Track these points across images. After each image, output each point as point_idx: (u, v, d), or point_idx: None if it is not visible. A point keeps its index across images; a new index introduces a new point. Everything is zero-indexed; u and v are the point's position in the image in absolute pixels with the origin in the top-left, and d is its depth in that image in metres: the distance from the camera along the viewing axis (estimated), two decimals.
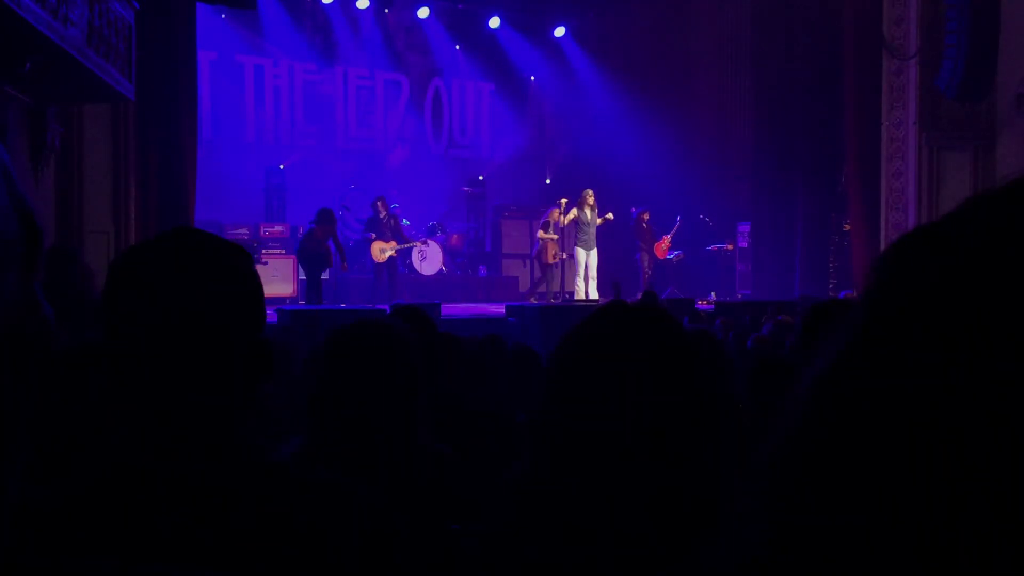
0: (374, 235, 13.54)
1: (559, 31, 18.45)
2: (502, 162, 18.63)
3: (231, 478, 1.17)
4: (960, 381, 0.39)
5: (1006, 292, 0.39)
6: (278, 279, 13.59)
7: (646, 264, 15.09)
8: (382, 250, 13.48)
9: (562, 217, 13.24)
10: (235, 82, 16.13)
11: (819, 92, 14.43)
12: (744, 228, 16.04)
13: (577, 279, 13.26)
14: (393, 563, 1.54)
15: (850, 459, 0.42)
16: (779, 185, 15.19)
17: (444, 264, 15.85)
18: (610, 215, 13.55)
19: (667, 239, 15.52)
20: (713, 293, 15.61)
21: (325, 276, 12.41)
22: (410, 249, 14.96)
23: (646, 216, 15.37)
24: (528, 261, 15.98)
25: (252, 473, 1.20)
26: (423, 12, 17.41)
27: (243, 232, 13.92)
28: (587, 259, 13.15)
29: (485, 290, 15.82)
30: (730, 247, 16.30)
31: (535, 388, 3.82)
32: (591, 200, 13.21)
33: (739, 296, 15.39)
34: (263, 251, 13.68)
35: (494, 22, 18.01)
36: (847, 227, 13.80)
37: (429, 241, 15.62)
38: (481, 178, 17.74)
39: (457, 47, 18.14)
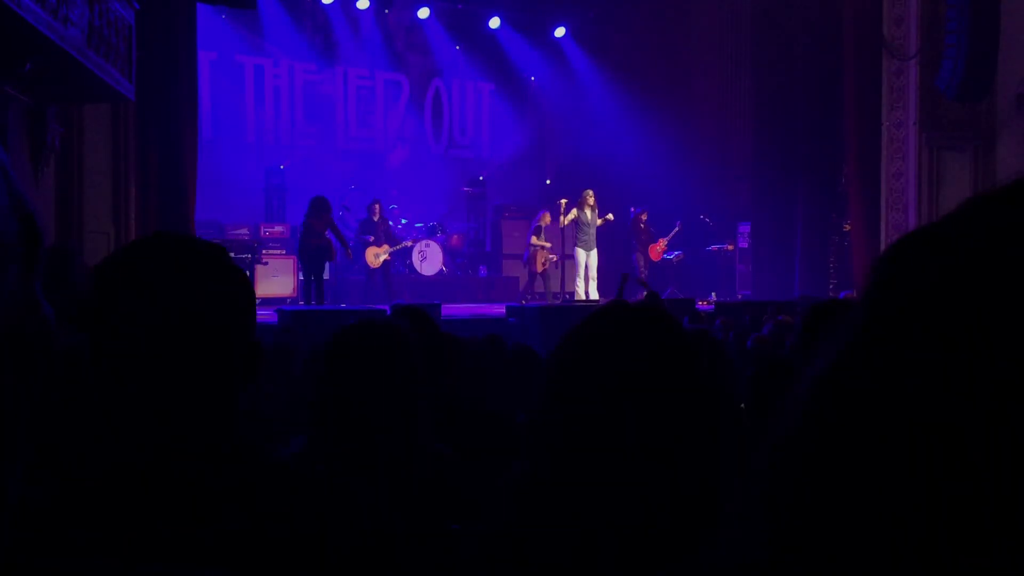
0: (373, 237, 13.52)
1: (559, 31, 18.45)
2: (502, 162, 18.62)
3: (231, 478, 1.17)
4: (959, 381, 0.39)
5: (1005, 292, 0.39)
6: (278, 279, 13.59)
7: (642, 264, 15.08)
8: (376, 255, 13.47)
9: (562, 217, 13.23)
10: (235, 82, 16.12)
11: (819, 92, 14.43)
12: (744, 228, 16.04)
13: (577, 279, 13.24)
14: (393, 563, 1.54)
15: (850, 459, 0.42)
16: (779, 185, 15.18)
17: (444, 264, 15.85)
18: (610, 216, 13.54)
19: (663, 242, 15.43)
20: (713, 293, 15.60)
21: (326, 276, 12.38)
22: (408, 250, 14.95)
23: (644, 216, 15.35)
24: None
25: (252, 473, 1.20)
26: (423, 12, 17.41)
27: (243, 232, 13.90)
28: (587, 259, 13.14)
29: (485, 290, 15.81)
30: (730, 247, 16.29)
31: (535, 388, 3.82)
32: (591, 200, 13.20)
33: (739, 296, 15.38)
34: (263, 251, 13.67)
35: (494, 22, 18.00)
36: (847, 227, 13.80)
37: (430, 242, 15.61)
38: (481, 178, 17.73)
39: (457, 47, 18.13)
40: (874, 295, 0.45)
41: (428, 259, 15.47)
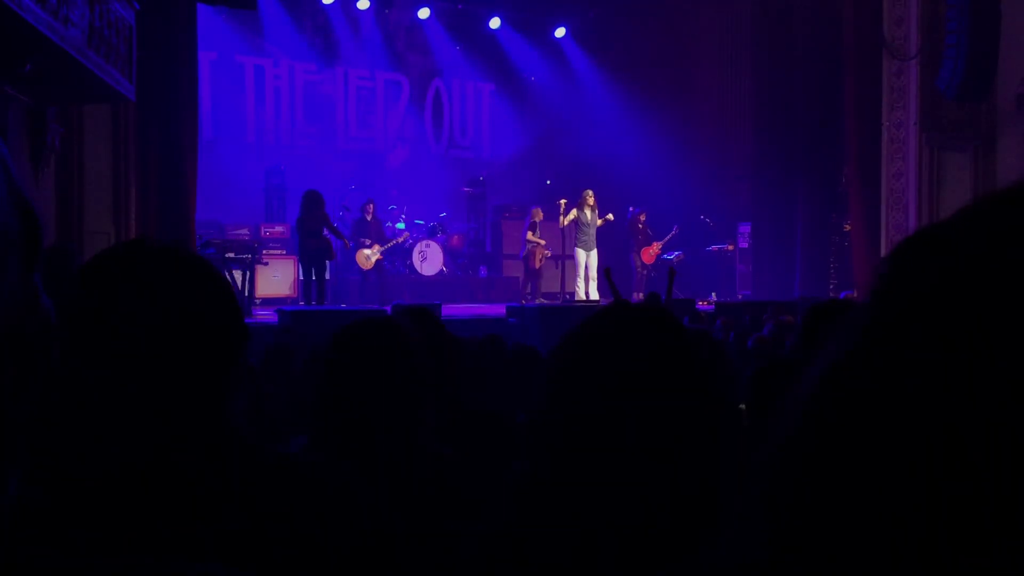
0: (369, 240, 13.48)
1: (559, 31, 18.45)
2: (502, 162, 18.63)
3: (231, 477, 1.17)
4: (960, 381, 0.39)
5: (1006, 294, 0.39)
6: (278, 279, 13.58)
7: (638, 265, 15.07)
8: (368, 257, 13.45)
9: (562, 218, 13.22)
10: (235, 82, 16.13)
11: (819, 93, 14.43)
12: (744, 229, 16.04)
13: (577, 279, 13.24)
14: (393, 563, 1.54)
15: (850, 459, 0.42)
16: (779, 186, 15.19)
17: (444, 265, 15.85)
18: (610, 216, 13.53)
19: (657, 245, 15.29)
20: (714, 293, 15.60)
21: (327, 276, 12.38)
22: (403, 248, 14.93)
23: (642, 217, 15.34)
24: None
25: (252, 472, 1.20)
26: (423, 12, 17.42)
27: (243, 232, 13.90)
28: (587, 259, 13.14)
29: (485, 291, 15.81)
30: (730, 247, 16.29)
31: (535, 388, 3.82)
32: (591, 201, 13.20)
33: (739, 296, 15.38)
34: (263, 251, 13.66)
35: (494, 22, 18.01)
36: (847, 228, 13.80)
37: (430, 242, 15.61)
38: (481, 178, 17.73)
39: (457, 47, 18.14)
40: (875, 296, 0.45)
41: (428, 259, 15.47)
